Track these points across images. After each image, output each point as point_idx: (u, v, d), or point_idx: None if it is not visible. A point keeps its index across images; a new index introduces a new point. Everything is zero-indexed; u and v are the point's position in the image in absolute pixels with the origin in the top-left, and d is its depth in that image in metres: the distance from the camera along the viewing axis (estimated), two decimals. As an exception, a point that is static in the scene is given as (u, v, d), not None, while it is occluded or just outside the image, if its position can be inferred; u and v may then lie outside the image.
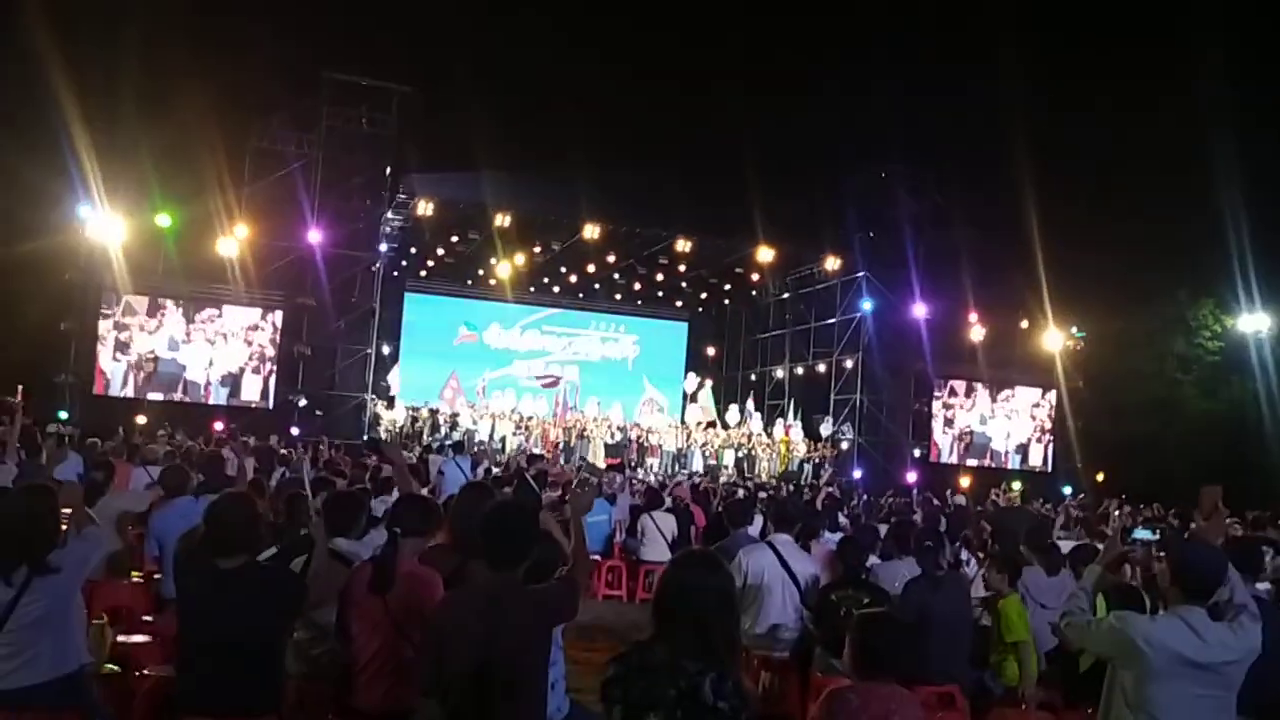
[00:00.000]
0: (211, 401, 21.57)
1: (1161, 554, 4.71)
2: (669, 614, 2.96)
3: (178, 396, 21.45)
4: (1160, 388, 28.36)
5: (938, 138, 24.79)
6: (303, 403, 21.62)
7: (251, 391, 22.05)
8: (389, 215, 22.61)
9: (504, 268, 26.05)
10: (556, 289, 29.45)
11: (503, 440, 23.28)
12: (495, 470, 14.14)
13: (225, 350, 21.90)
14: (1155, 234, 25.68)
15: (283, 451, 13.77)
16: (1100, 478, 25.08)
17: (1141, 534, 9.07)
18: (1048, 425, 26.84)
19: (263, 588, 3.97)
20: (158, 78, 20.51)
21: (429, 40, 24.61)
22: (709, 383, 27.58)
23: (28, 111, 19.58)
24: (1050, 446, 26.79)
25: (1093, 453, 26.76)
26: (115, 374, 21.18)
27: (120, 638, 5.11)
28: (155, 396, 21.13)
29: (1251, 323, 24.31)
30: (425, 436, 22.82)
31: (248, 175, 21.26)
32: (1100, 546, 5.56)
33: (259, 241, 21.14)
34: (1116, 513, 9.96)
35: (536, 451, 20.55)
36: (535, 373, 28.72)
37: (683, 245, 24.03)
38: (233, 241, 20.81)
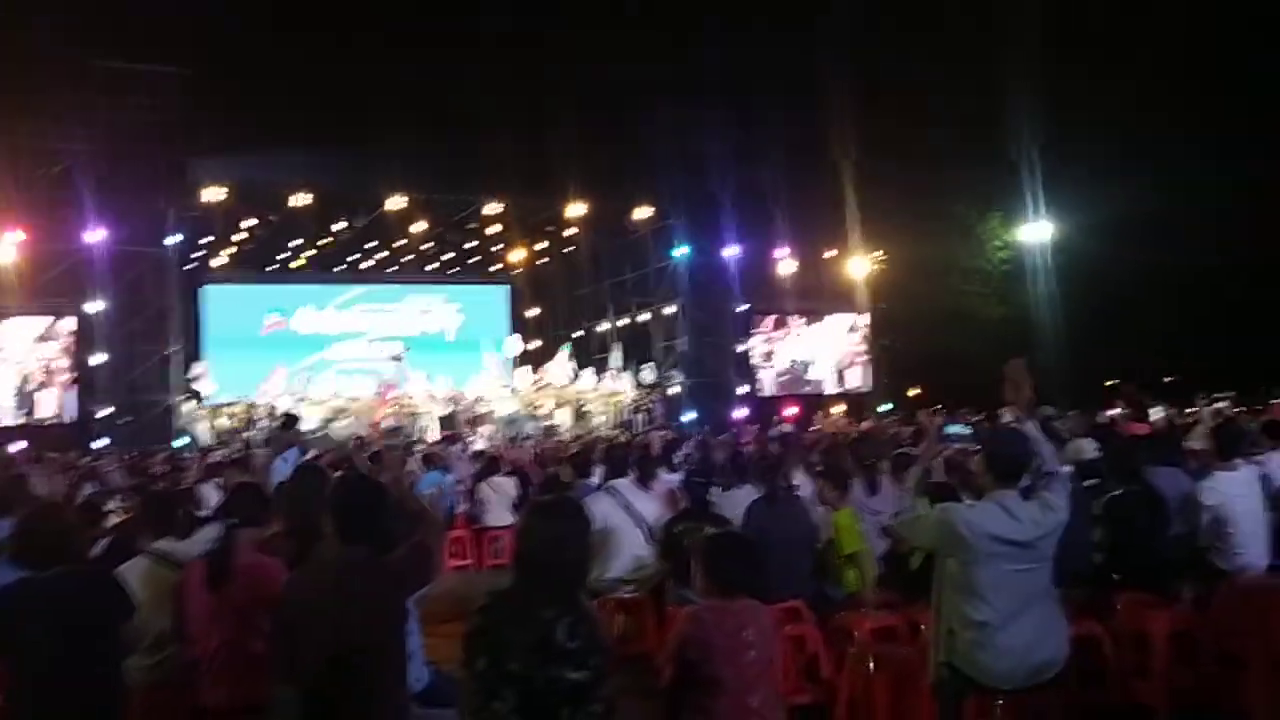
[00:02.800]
0: (5, 423, 19.94)
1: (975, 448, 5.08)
2: (525, 561, 3.00)
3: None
4: (957, 301, 30.17)
5: (734, 75, 25.15)
6: (106, 412, 20.30)
7: (48, 407, 20.51)
8: (176, 206, 21.30)
9: (308, 248, 25.11)
10: (367, 265, 28.63)
11: (328, 427, 22.54)
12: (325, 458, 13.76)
13: (14, 367, 20.25)
14: (944, 156, 27.10)
15: (90, 465, 12.95)
16: (914, 392, 26.57)
17: (953, 428, 9.68)
18: (861, 349, 28.09)
19: (83, 596, 3.73)
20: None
21: (199, 17, 23.14)
22: (568, 346, 27.39)
23: None
24: (866, 369, 28.06)
25: (905, 370, 28.31)
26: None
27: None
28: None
29: (1034, 232, 26.09)
30: (246, 431, 21.85)
31: (21, 178, 19.48)
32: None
33: (39, 246, 19.55)
34: (927, 418, 10.62)
35: (364, 435, 20.02)
36: (354, 354, 27.86)
37: (492, 208, 23.76)
38: (8, 248, 19.18)
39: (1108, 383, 14.87)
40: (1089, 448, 7.89)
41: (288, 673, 3.43)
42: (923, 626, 5.07)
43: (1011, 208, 27.46)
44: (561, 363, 25.67)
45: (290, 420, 9.56)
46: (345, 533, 3.57)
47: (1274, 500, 5.99)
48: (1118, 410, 13.00)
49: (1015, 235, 27.89)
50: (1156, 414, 13.25)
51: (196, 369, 22.94)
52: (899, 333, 28.26)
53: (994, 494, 4.13)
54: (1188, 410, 14.66)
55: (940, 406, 17.41)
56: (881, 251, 27.65)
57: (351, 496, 3.68)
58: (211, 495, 7.72)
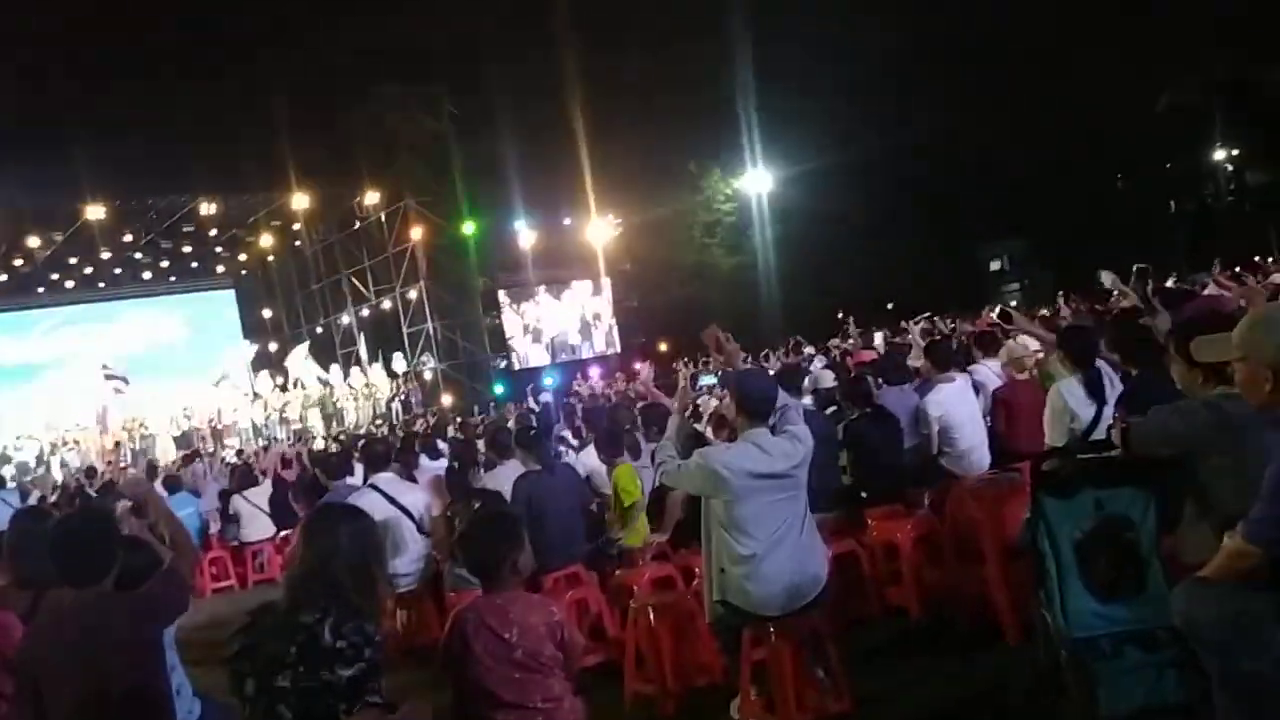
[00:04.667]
0: None
1: (723, 391, 5.28)
2: (301, 573, 2.88)
3: None
4: (692, 254, 31.31)
5: (458, 50, 24.80)
6: None
7: None
8: None
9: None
10: (71, 283, 26.20)
11: (47, 462, 20.59)
12: (51, 497, 12.58)
13: None
14: (667, 116, 27.91)
15: None
16: (664, 347, 27.38)
17: (705, 379, 10.05)
18: (608, 311, 28.61)
19: None
20: None
21: None
22: (305, 344, 26.02)
23: None
24: (614, 330, 28.63)
25: (653, 327, 29.13)
26: None
27: None
28: None
29: (754, 181, 27.36)
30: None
31: None
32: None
33: None
34: (681, 369, 11.01)
35: (93, 464, 18.40)
36: (72, 380, 25.49)
37: (207, 208, 22.31)
38: None
39: (839, 315, 15.91)
40: (827, 378, 8.43)
41: (36, 732, 3.12)
42: (696, 571, 5.25)
43: (732, 161, 28.72)
44: (299, 362, 24.49)
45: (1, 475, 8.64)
46: (73, 576, 3.26)
47: (988, 405, 6.61)
48: (848, 341, 13.93)
49: (736, 186, 29.20)
50: (879, 340, 14.30)
51: None
52: (643, 291, 29.03)
53: (748, 433, 4.32)
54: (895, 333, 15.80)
55: (686, 360, 18.03)
56: (615, 215, 28.20)
57: (72, 537, 3.37)
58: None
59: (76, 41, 22.14)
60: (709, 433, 6.77)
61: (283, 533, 10.85)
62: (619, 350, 28.34)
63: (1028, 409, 5.92)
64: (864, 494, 6.06)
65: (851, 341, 13.63)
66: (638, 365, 18.54)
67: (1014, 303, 23.86)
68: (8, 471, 19.17)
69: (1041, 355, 7.05)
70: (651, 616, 5.17)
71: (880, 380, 7.02)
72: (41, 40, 21.68)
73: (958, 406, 6.27)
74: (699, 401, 9.11)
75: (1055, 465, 3.99)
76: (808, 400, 7.40)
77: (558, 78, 24.72)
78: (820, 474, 4.80)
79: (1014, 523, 4.58)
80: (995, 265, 29.37)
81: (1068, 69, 25.79)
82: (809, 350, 14.33)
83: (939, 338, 9.36)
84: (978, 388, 6.72)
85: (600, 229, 27.37)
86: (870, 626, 5.64)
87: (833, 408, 6.65)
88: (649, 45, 27.63)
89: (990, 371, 7.07)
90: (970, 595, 5.36)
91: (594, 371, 25.19)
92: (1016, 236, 28.54)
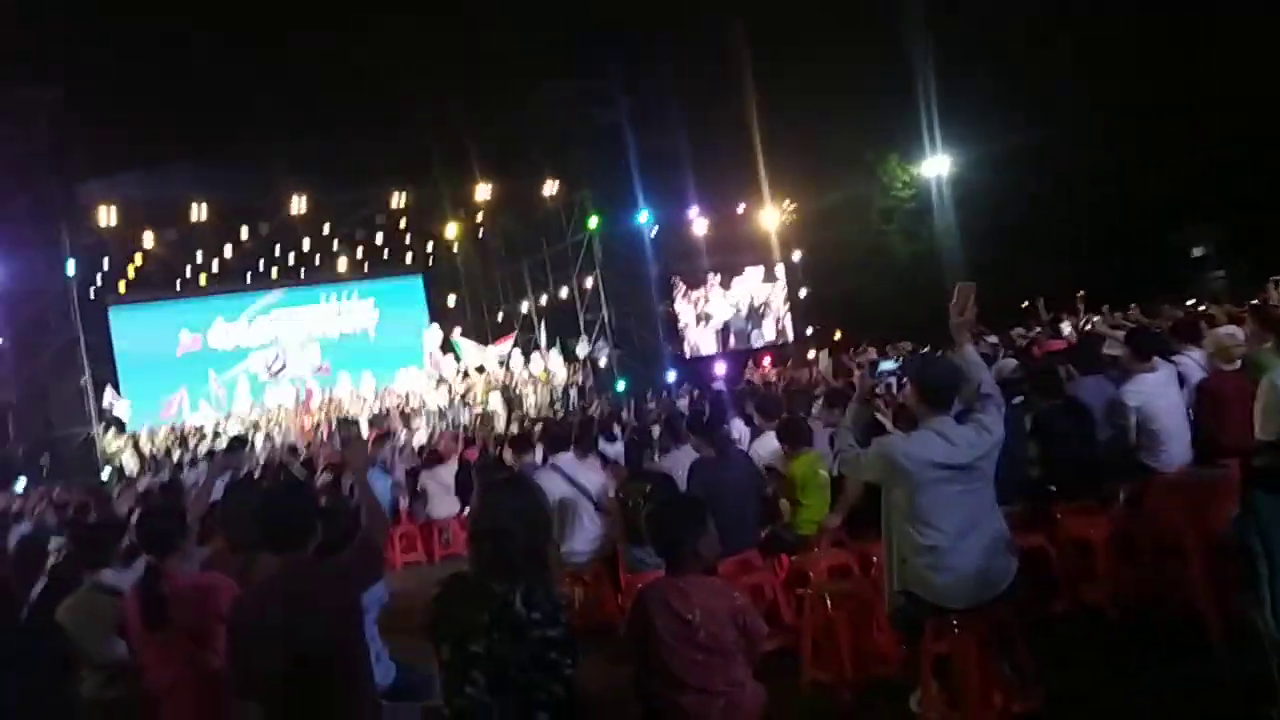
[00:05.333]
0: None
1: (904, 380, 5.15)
2: (479, 542, 3.00)
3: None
4: (868, 241, 30.64)
5: (626, 41, 25.02)
6: (19, 453, 19.63)
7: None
8: (69, 234, 20.49)
9: (213, 261, 24.46)
10: (275, 271, 28.01)
11: (252, 439, 22.12)
12: (256, 472, 13.52)
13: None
14: (843, 100, 27.37)
15: (17, 508, 12.51)
16: (838, 335, 26.94)
17: (886, 365, 9.84)
18: (781, 298, 28.38)
19: (17, 644, 3.60)
20: None
21: (69, 36, 22.19)
22: (457, 329, 27.14)
23: None
24: (787, 317, 28.38)
25: (827, 315, 28.68)
26: None
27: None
28: None
29: (933, 165, 26.51)
30: (174, 454, 21.31)
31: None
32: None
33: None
34: (860, 358, 10.81)
35: (294, 443, 19.66)
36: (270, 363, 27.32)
37: (398, 200, 23.39)
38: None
39: (1023, 304, 15.24)
40: (1008, 367, 8.11)
41: (247, 689, 3.36)
42: (875, 559, 5.16)
43: (910, 146, 27.92)
44: (462, 351, 25.47)
45: (237, 443, 9.37)
46: (276, 543, 3.49)
47: (1191, 397, 6.21)
48: (1035, 330, 13.35)
49: (915, 172, 28.37)
50: (1068, 329, 13.64)
51: (108, 397, 22.26)
52: (817, 279, 28.63)
53: (929, 421, 4.21)
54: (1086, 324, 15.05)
55: (866, 346, 17.68)
56: (790, 201, 27.90)
57: (276, 507, 3.61)
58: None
59: (280, 60, 23.59)
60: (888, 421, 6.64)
61: (466, 510, 11.31)
62: (791, 338, 28.07)
63: (1235, 401, 5.57)
64: (1053, 487, 5.81)
65: (1039, 330, 13.07)
66: (812, 354, 18.39)
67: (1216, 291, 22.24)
68: (220, 446, 20.74)
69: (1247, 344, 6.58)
70: (829, 604, 5.13)
71: (1072, 369, 6.71)
72: (240, 60, 23.23)
73: (1158, 398, 5.92)
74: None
75: (1269, 460, 3.73)
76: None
77: (730, 64, 24.68)
78: (1007, 466, 4.63)
79: (1220, 520, 4.31)
80: (1198, 251, 27.44)
81: (1269, 44, 23.78)
82: (991, 339, 13.82)
83: (1141, 326, 8.86)
84: (1181, 379, 6.32)
85: (773, 216, 27.15)
86: (1061, 624, 5.40)
87: (1019, 397, 6.39)
88: (823, 28, 27.14)
89: (1194, 362, 6.65)
90: (1170, 595, 5.07)
91: (766, 360, 25.09)
92: (1214, 221, 26.56)
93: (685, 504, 3.80)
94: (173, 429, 22.39)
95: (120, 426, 22.22)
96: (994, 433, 4.18)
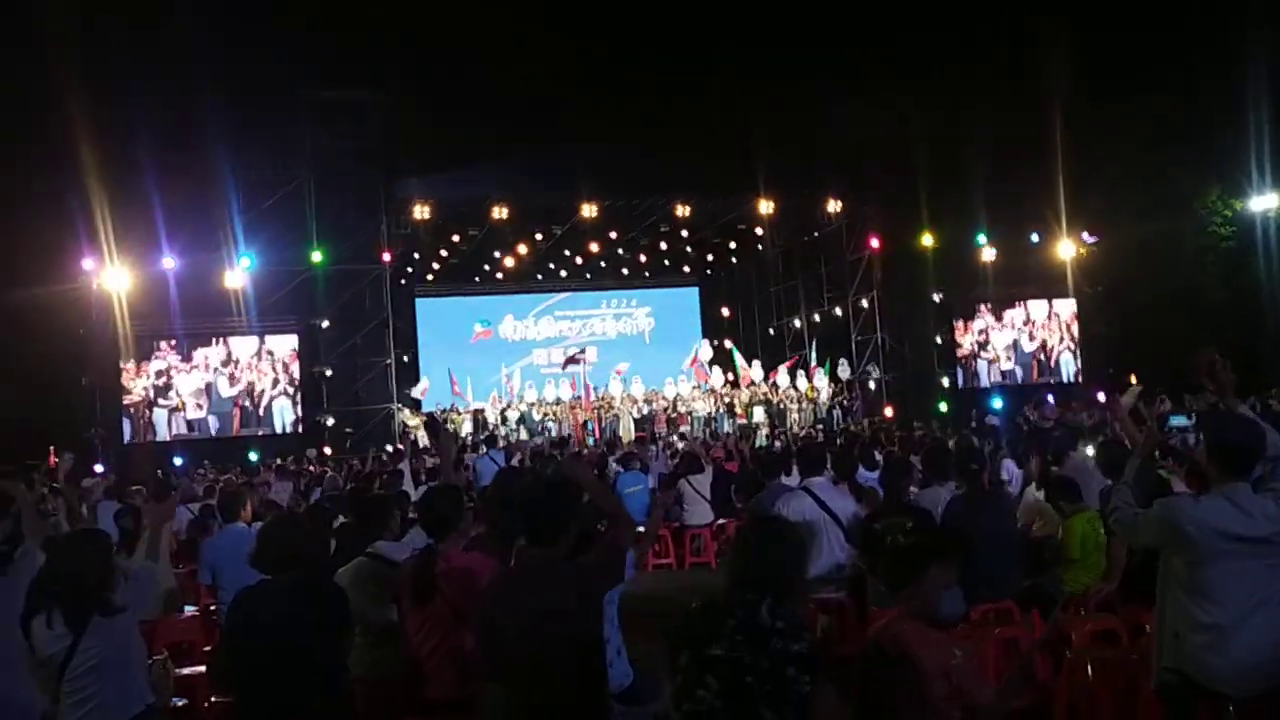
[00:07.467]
0: (243, 432, 21.70)
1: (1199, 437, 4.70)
2: (740, 575, 3.06)
3: (212, 433, 21.59)
4: (1178, 281, 28.06)
5: (930, 57, 24.28)
6: (330, 422, 21.79)
7: (279, 418, 22.15)
8: (388, 225, 22.58)
9: (509, 259, 26.13)
10: (564, 273, 29.51)
11: (524, 427, 23.41)
12: (528, 461, 14.26)
13: (255, 380, 22.00)
14: (1155, 125, 25.31)
15: (318, 472, 13.90)
16: (1133, 380, 24.89)
17: (1176, 420, 9.00)
18: (1070, 335, 26.65)
19: (309, 600, 4.00)
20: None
21: (394, 46, 24.37)
22: (728, 342, 27.48)
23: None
24: (1076, 356, 26.61)
25: (1121, 356, 26.56)
26: (160, 421, 21.33)
27: (183, 671, 5.19)
28: (187, 435, 21.30)
29: (1261, 203, 24.01)
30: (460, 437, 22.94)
31: (242, 205, 21.07)
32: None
33: (263, 270, 21.19)
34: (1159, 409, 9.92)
35: (565, 435, 20.65)
36: (555, 359, 28.80)
37: (681, 210, 23.99)
38: (239, 272, 20.86)
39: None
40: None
41: (494, 671, 3.56)
42: (1147, 628, 4.76)
43: (1236, 178, 25.38)
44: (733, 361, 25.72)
45: (494, 436, 9.97)
46: (535, 535, 3.67)
47: None
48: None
49: (1239, 207, 25.75)
50: None
51: (421, 386, 24.42)
52: (1114, 317, 26.58)
53: (1221, 486, 3.82)
54: None
55: (1162, 396, 16.24)
56: (1091, 234, 26.07)
57: (542, 499, 3.79)
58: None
59: (577, 71, 24.69)
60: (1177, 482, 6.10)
61: (720, 520, 11.41)
62: (1080, 378, 26.26)
63: None
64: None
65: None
66: (1101, 396, 17.12)
67: None
68: (501, 433, 22.11)
69: None
70: (1090, 670, 4.78)
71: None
72: (547, 75, 24.48)
73: None
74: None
75: None
76: None
77: (1029, 85, 23.39)
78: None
79: None
80: None
81: None
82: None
83: None
84: None
85: (1069, 248, 25.48)
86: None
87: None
88: (1137, 47, 25.12)
89: None
90: None
91: (1049, 398, 23.60)
92: None
93: (932, 535, 3.65)
94: (459, 413, 24.05)
95: (416, 405, 24.18)
96: (1296, 508, 3.74)
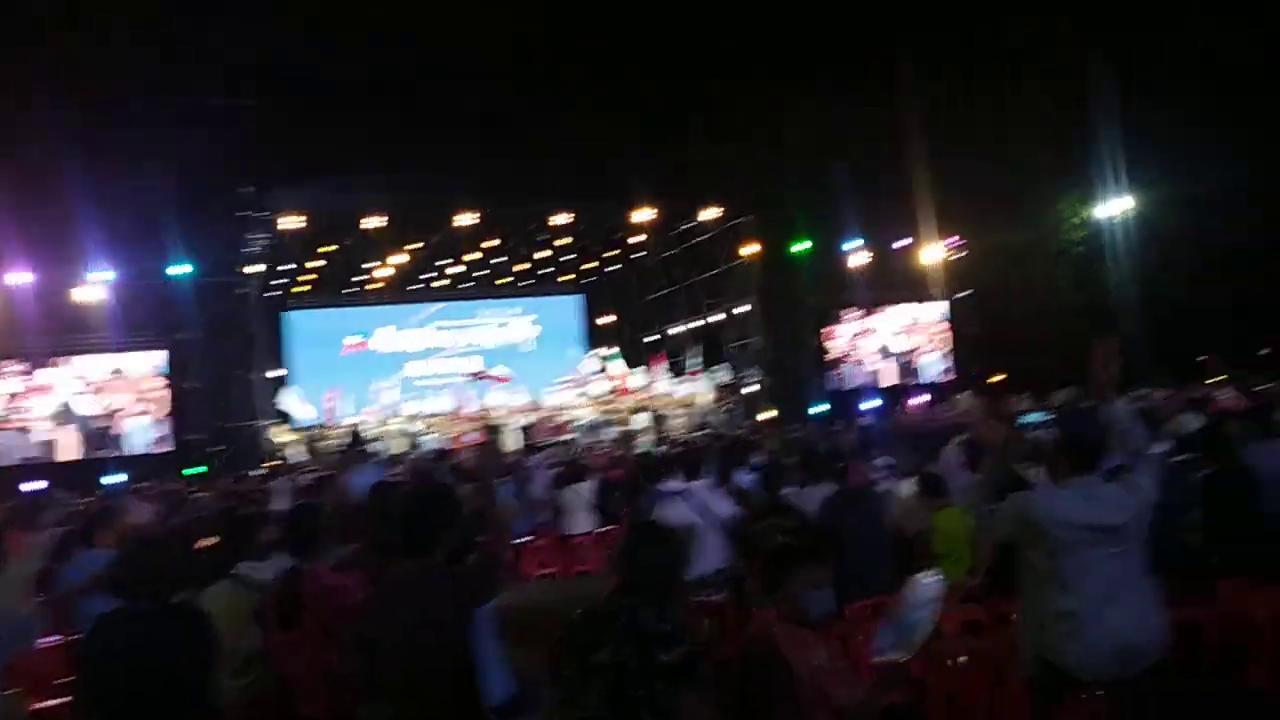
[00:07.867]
0: (98, 454, 20.66)
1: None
2: (624, 582, 3.05)
3: (69, 456, 20.50)
4: (1035, 285, 29.38)
5: (804, 65, 24.81)
6: (197, 439, 20.99)
7: (140, 437, 21.17)
8: (253, 236, 21.86)
9: (384, 269, 25.62)
10: (443, 282, 29.11)
11: (405, 440, 22.98)
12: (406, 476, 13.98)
13: (112, 400, 21.01)
14: (1016, 135, 26.42)
15: (185, 492, 13.37)
16: (996, 379, 25.94)
17: (1032, 417, 9.41)
18: (937, 338, 27.58)
19: (170, 624, 3.82)
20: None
21: (263, 50, 23.62)
22: (615, 349, 27.51)
23: None
24: (942, 358, 27.55)
25: (986, 358, 27.68)
26: (6, 445, 20.16)
27: (36, 705, 4.91)
28: (38, 458, 20.20)
29: (1109, 208, 25.32)
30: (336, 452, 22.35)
31: (98, 215, 20.05)
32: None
33: (127, 282, 20.27)
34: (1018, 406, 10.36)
35: (446, 448, 20.29)
36: (433, 370, 28.32)
37: (561, 218, 23.96)
38: (97, 286, 19.90)
39: (1199, 358, 14.25)
40: (1192, 421, 7.60)
41: (370, 689, 3.47)
42: (1013, 616, 4.93)
43: (1089, 184, 26.72)
44: (293, 402, 25.37)
45: (356, 439, 9.75)
46: (411, 546, 3.60)
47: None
48: (1220, 390, 12.49)
49: (1092, 213, 27.13)
50: (1232, 393, 12.66)
51: (286, 398, 23.61)
52: (978, 321, 27.67)
53: (1071, 479, 4.00)
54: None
55: (1025, 394, 16.99)
56: (958, 237, 27.09)
57: (416, 510, 3.71)
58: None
59: (450, 78, 24.39)
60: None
61: (604, 529, 11.40)
62: (946, 379, 27.22)
63: None
64: (1215, 559, 5.43)
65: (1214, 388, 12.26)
66: (960, 396, 17.79)
67: None
68: (376, 448, 21.60)
69: None
70: (960, 662, 4.93)
71: (1248, 433, 6.27)
72: (421, 78, 24.11)
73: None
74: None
75: None
76: (1160, 448, 6.74)
77: (896, 98, 24.20)
78: (1162, 531, 4.35)
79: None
80: None
81: None
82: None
83: None
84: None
85: (935, 253, 26.45)
86: (1215, 706, 5.03)
87: (1182, 456, 6.01)
88: (995, 61, 26.24)
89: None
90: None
91: (917, 399, 24.43)
92: None
93: (809, 537, 3.70)
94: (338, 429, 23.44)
95: (287, 419, 23.47)
96: (1144, 494, 3.94)
